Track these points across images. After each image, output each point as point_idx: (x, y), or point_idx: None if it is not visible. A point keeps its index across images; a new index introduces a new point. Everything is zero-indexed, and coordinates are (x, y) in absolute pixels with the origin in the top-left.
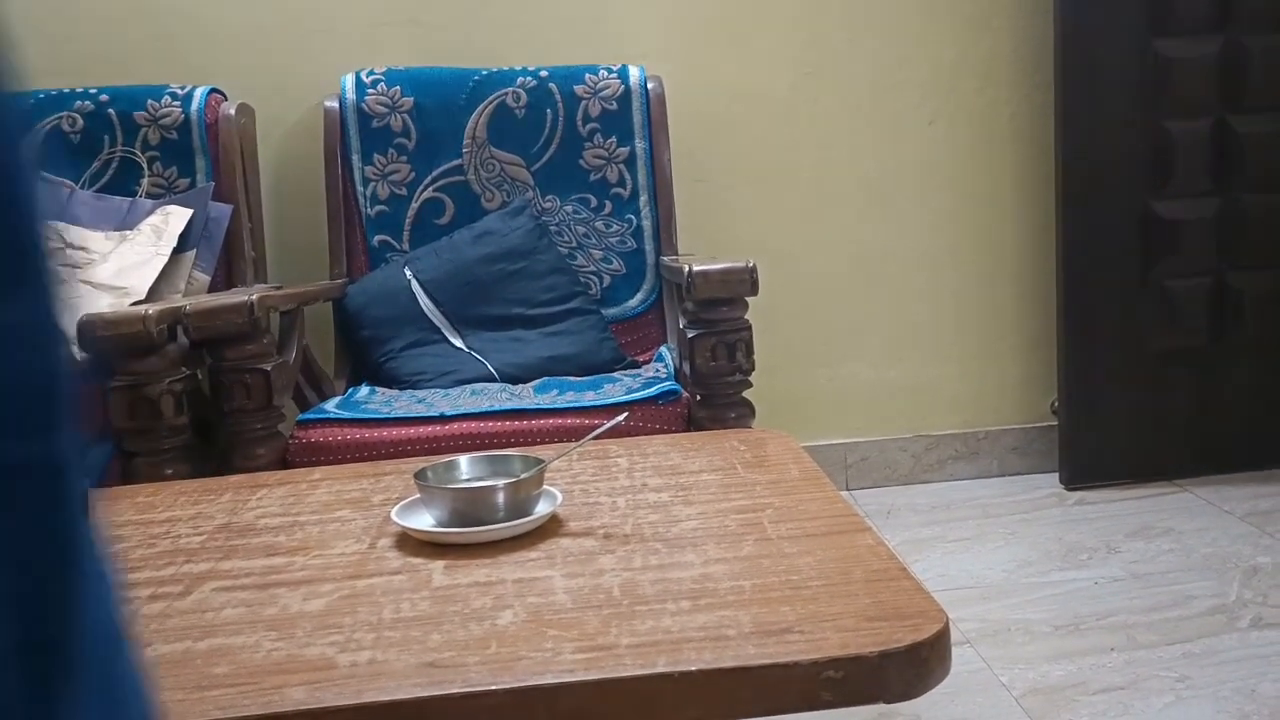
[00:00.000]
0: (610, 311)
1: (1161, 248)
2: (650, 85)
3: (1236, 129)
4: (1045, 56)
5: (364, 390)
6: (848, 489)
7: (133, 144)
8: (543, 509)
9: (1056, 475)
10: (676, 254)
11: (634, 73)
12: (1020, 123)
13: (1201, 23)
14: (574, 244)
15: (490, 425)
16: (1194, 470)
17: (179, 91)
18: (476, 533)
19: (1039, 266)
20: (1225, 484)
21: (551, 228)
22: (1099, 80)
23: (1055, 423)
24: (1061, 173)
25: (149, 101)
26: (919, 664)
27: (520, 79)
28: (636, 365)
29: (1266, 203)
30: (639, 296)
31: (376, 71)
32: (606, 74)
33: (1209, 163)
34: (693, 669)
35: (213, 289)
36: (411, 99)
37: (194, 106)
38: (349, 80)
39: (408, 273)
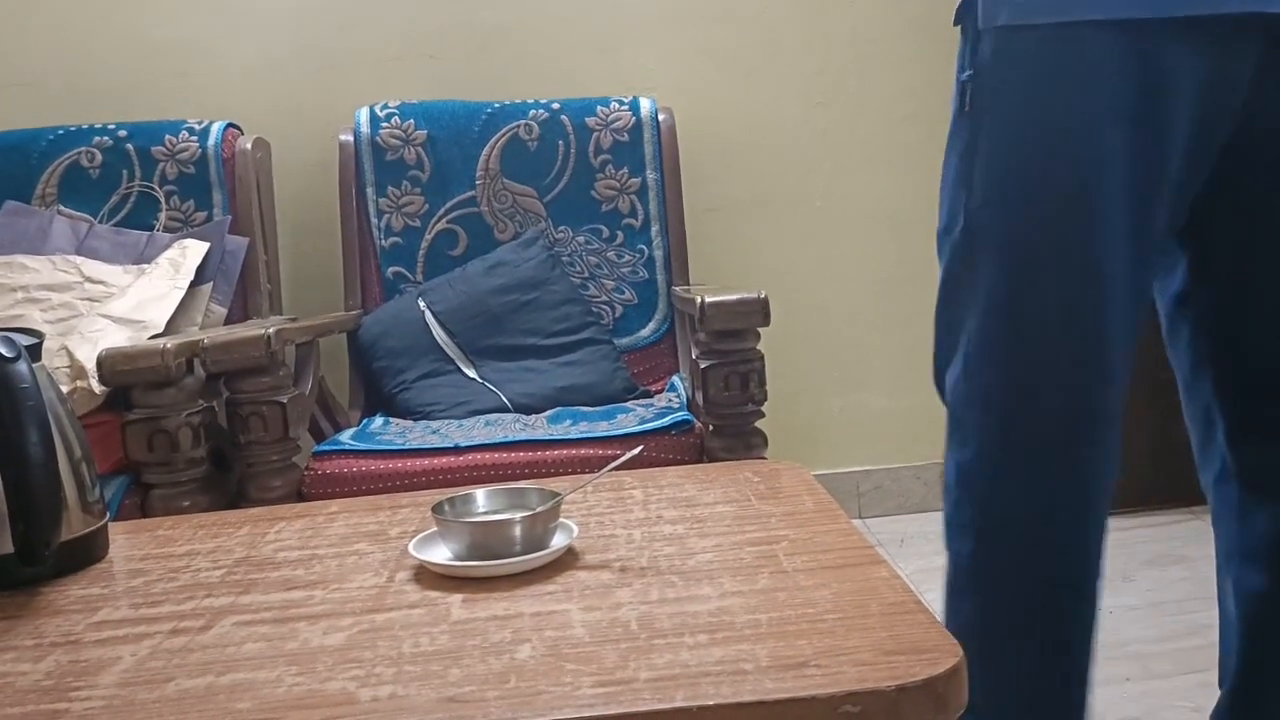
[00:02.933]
0: (622, 341)
1: None
2: (661, 116)
3: None
4: None
5: (378, 421)
6: (860, 517)
7: (150, 179)
8: (559, 542)
9: None
10: (688, 284)
11: (645, 104)
12: None
13: None
14: (586, 274)
15: (504, 456)
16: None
17: (196, 126)
18: (494, 566)
19: None
20: None
21: (564, 258)
22: None
23: None
24: None
25: (166, 137)
26: (935, 698)
27: (532, 111)
28: (649, 395)
29: None
30: (651, 326)
31: (390, 105)
32: (618, 106)
33: None
34: (711, 703)
35: (229, 321)
36: (425, 132)
37: (211, 141)
38: (363, 114)
39: (421, 304)
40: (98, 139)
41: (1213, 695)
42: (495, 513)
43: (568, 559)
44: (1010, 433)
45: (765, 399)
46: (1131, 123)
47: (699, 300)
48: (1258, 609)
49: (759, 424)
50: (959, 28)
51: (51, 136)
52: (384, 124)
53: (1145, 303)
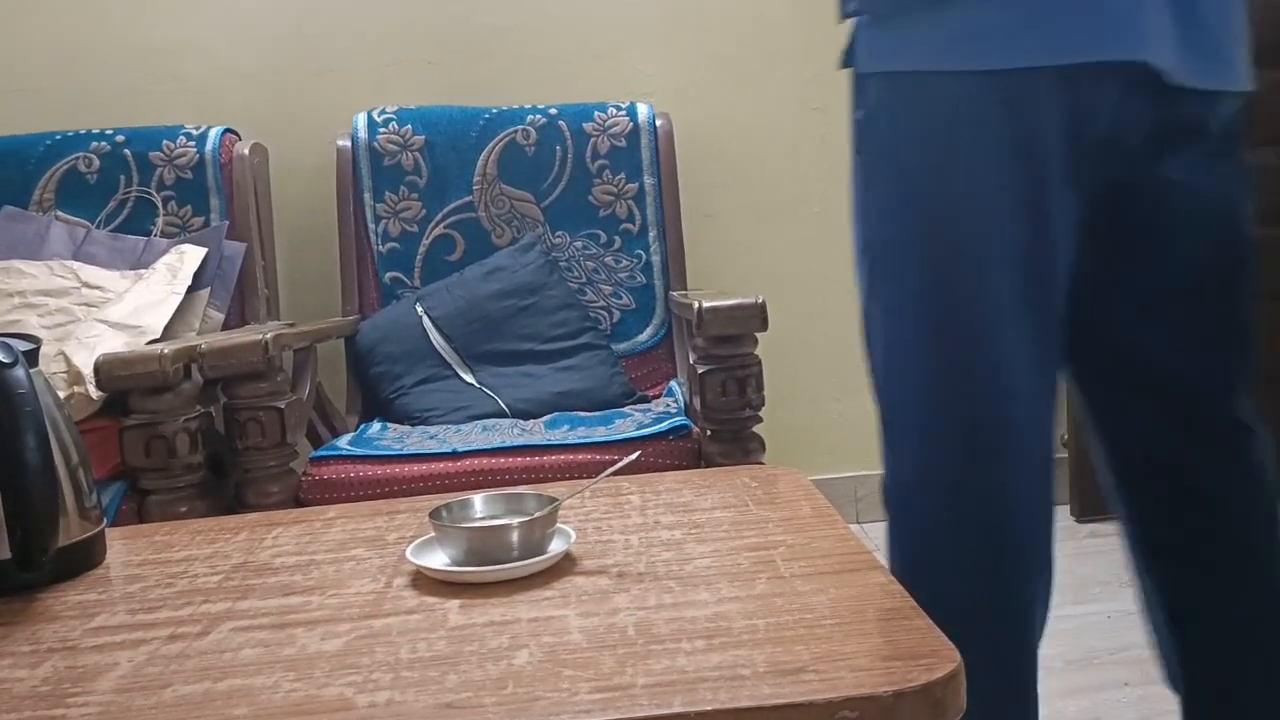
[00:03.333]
0: (620, 346)
1: None
2: (658, 122)
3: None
4: None
5: (376, 426)
6: (858, 522)
7: (148, 184)
8: (556, 547)
9: (1067, 508)
10: (686, 289)
11: (642, 110)
12: None
13: None
14: (584, 279)
15: (502, 461)
16: None
17: (194, 132)
18: (491, 572)
19: None
20: None
21: (561, 263)
22: None
23: (1065, 455)
24: None
25: (164, 142)
26: (933, 704)
27: (530, 117)
28: (646, 400)
29: (1276, 236)
30: (648, 331)
31: (388, 110)
32: (615, 111)
33: None
34: (708, 709)
35: (226, 326)
36: (422, 137)
37: (208, 146)
38: (361, 119)
39: (419, 309)
40: (95, 144)
41: None
42: (493, 518)
43: (565, 564)
44: (928, 454)
45: (763, 404)
46: (1010, 159)
47: (696, 305)
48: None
49: (756, 429)
50: (845, 68)
51: (49, 142)
52: (381, 129)
53: (1048, 321)
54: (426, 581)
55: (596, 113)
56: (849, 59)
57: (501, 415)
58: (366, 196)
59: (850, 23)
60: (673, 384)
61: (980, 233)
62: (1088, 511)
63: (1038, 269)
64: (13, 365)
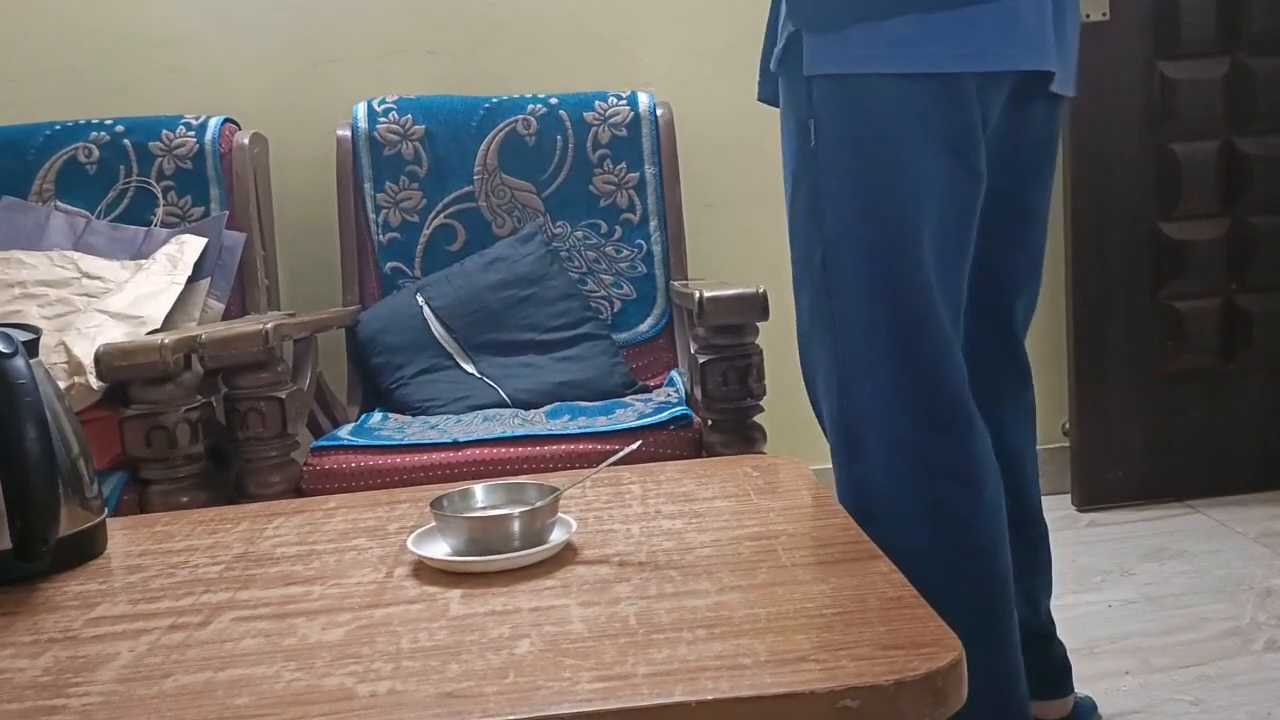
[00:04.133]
0: (621, 336)
1: (1171, 269)
2: (659, 111)
3: (1244, 150)
4: None
5: (377, 416)
6: None
7: (148, 174)
8: (558, 537)
9: (1069, 497)
10: (687, 278)
11: (643, 99)
12: None
13: (1207, 45)
14: (584, 269)
15: (503, 451)
16: (1206, 491)
17: (193, 122)
18: (492, 561)
19: (1048, 288)
20: (1237, 505)
21: (562, 253)
22: (1106, 103)
23: (1066, 444)
24: (1070, 195)
25: (164, 132)
26: (934, 692)
27: (530, 106)
28: (647, 390)
29: (1275, 224)
30: (649, 321)
31: (388, 100)
32: (616, 101)
33: (1217, 184)
34: (710, 698)
35: (227, 316)
36: (423, 127)
37: (208, 136)
38: (361, 109)
39: (420, 299)
40: (95, 134)
41: (1213, 688)
42: (494, 508)
43: (566, 554)
44: (906, 429)
45: (764, 394)
46: (946, 155)
47: (698, 295)
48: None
49: (758, 419)
50: (781, 70)
51: (49, 132)
52: (382, 119)
53: (961, 288)
54: (428, 571)
55: (597, 102)
56: (783, 59)
57: (502, 405)
58: (367, 186)
59: (780, 28)
60: (674, 374)
61: (922, 223)
62: (1088, 501)
63: (962, 251)
64: (13, 356)
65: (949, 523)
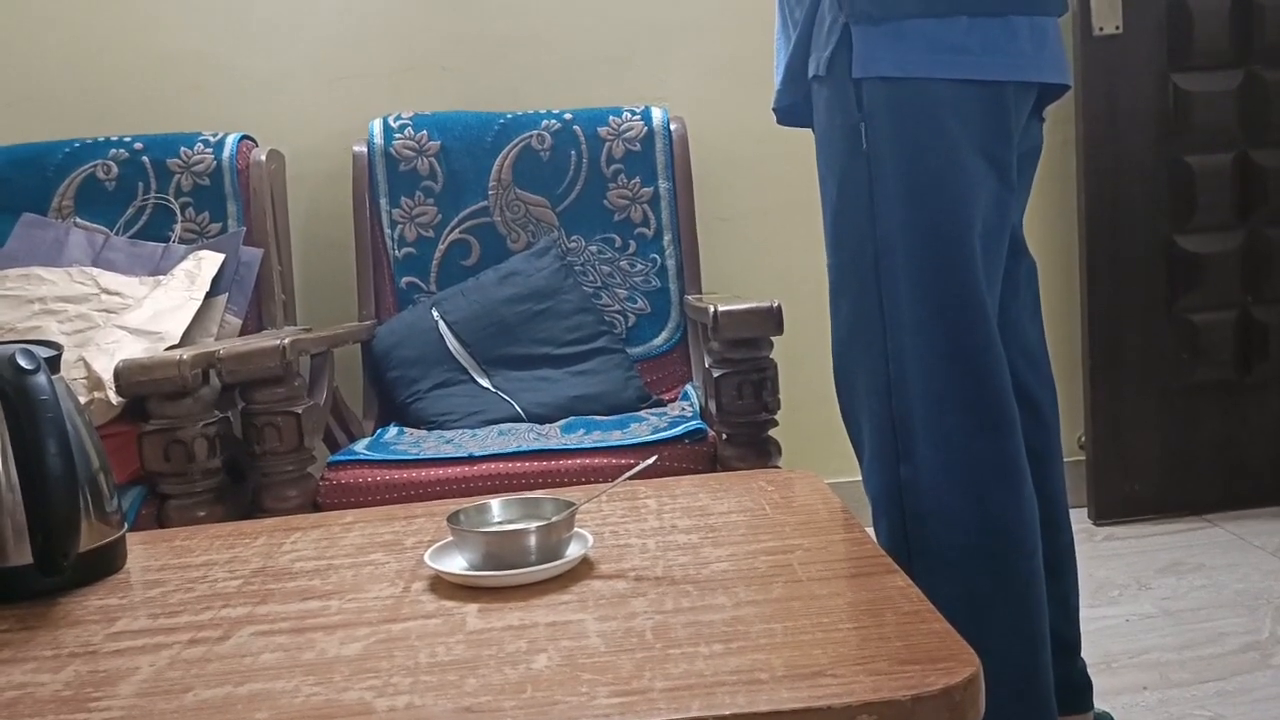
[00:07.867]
0: (635, 350)
1: (1186, 281)
2: (673, 126)
3: (1258, 162)
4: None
5: (392, 431)
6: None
7: (166, 190)
8: (574, 551)
9: (1085, 511)
10: (701, 292)
11: (657, 114)
12: (1042, 158)
13: (1221, 57)
14: (599, 283)
15: (518, 465)
16: (1222, 504)
17: (211, 139)
18: (509, 576)
19: (1064, 301)
20: (1254, 518)
21: (576, 268)
22: (1120, 116)
23: (1083, 458)
24: (1084, 208)
25: (182, 149)
26: (952, 708)
27: (545, 122)
28: (662, 404)
29: None
30: (664, 335)
31: (404, 116)
32: (630, 115)
33: (1232, 196)
34: (727, 713)
35: (244, 332)
36: (438, 143)
37: (225, 153)
38: (377, 125)
39: (435, 314)
40: (114, 151)
41: (1232, 703)
42: (510, 523)
43: (583, 569)
44: (955, 427)
45: (779, 407)
46: (985, 158)
47: (712, 309)
48: None
49: (773, 432)
50: (827, 76)
51: (68, 149)
52: (397, 135)
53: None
54: (444, 586)
55: (611, 117)
56: (830, 65)
57: (517, 419)
58: (383, 202)
59: (825, 34)
60: (688, 388)
61: (973, 224)
62: (1105, 515)
63: (1001, 255)
64: (35, 372)
65: (994, 522)
